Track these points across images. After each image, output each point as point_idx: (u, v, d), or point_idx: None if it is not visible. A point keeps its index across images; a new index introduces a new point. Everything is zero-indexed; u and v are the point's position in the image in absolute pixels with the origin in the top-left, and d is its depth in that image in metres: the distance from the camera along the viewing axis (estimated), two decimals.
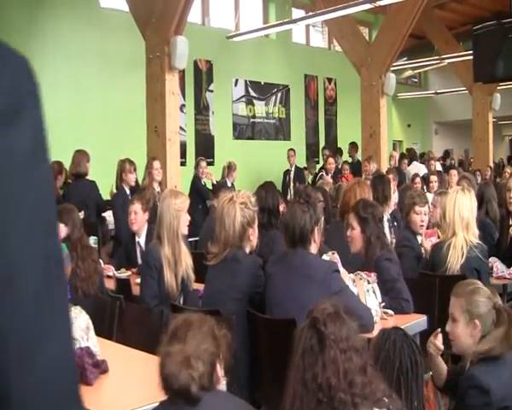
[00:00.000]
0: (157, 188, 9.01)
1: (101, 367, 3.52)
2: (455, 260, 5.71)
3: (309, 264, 4.31)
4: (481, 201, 7.73)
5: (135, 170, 9.04)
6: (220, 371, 2.66)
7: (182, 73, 12.80)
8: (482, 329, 3.44)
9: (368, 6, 11.00)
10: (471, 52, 10.33)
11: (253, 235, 4.79)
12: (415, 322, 4.83)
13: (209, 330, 2.63)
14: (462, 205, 5.85)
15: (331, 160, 14.40)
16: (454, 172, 11.92)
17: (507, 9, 9.72)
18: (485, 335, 3.43)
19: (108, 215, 9.44)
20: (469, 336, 3.51)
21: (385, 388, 2.61)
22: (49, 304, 0.91)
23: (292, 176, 15.08)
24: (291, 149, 15.75)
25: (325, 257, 4.92)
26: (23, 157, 0.88)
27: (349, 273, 4.86)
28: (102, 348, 3.76)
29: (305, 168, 16.05)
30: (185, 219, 5.35)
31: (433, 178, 11.43)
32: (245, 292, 4.55)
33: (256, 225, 4.84)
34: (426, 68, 23.37)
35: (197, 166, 11.49)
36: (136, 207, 6.73)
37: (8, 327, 0.87)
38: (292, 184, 14.54)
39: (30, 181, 0.89)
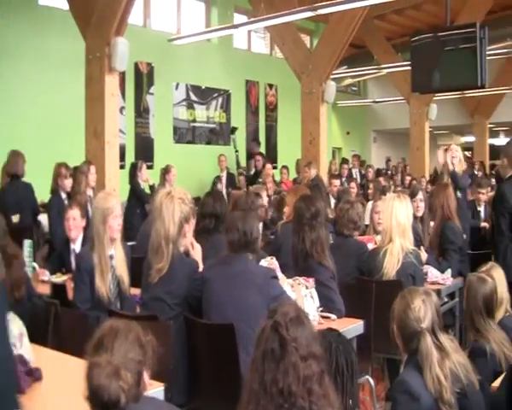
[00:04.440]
0: (89, 192, 8.91)
1: (34, 375, 3.47)
2: (391, 266, 5.80)
3: (249, 270, 4.33)
4: None
5: (71, 175, 8.91)
6: (147, 378, 2.62)
7: (122, 75, 12.70)
8: None
9: (309, 14, 11.04)
10: (409, 63, 10.46)
11: (188, 232, 4.79)
12: (352, 326, 4.89)
13: (135, 337, 2.59)
14: (399, 212, 5.94)
15: (269, 166, 14.38)
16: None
17: (444, 23, 9.90)
18: None
19: (44, 218, 9.31)
20: None
21: (338, 401, 2.65)
22: None
23: (224, 181, 15.10)
24: (222, 155, 15.82)
25: (263, 263, 4.95)
26: None
27: (287, 279, 4.90)
28: (37, 354, 3.71)
29: (240, 174, 15.96)
30: (114, 223, 5.20)
31: (371, 185, 11.59)
32: (182, 297, 4.54)
33: (191, 223, 4.85)
34: (365, 77, 23.65)
35: (136, 169, 11.39)
36: (75, 213, 6.61)
37: None
38: (225, 190, 14.49)
39: None
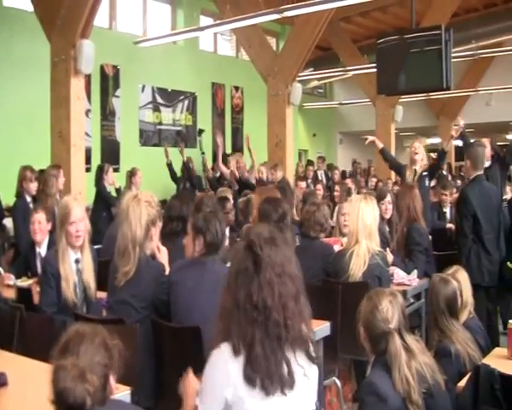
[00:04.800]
0: (57, 196, 8.85)
1: None
2: (357, 268, 5.82)
3: (216, 271, 4.32)
4: None
5: (36, 179, 8.84)
6: (113, 382, 2.61)
7: (88, 78, 12.64)
8: None
9: (275, 16, 11.07)
10: (375, 65, 10.51)
11: (155, 235, 4.78)
12: (318, 328, 4.89)
13: (101, 341, 2.57)
14: (365, 213, 5.97)
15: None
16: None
17: (409, 26, 9.96)
18: None
19: (9, 222, 9.22)
20: None
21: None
22: None
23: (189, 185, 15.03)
24: (188, 157, 15.78)
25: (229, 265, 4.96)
26: None
27: None
28: (2, 359, 3.68)
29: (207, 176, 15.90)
30: (72, 229, 5.13)
31: (337, 187, 11.64)
32: (149, 300, 4.52)
33: (158, 227, 4.83)
34: (331, 79, 23.76)
35: (102, 172, 11.32)
36: (41, 216, 6.59)
37: None
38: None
39: None
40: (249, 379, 2.53)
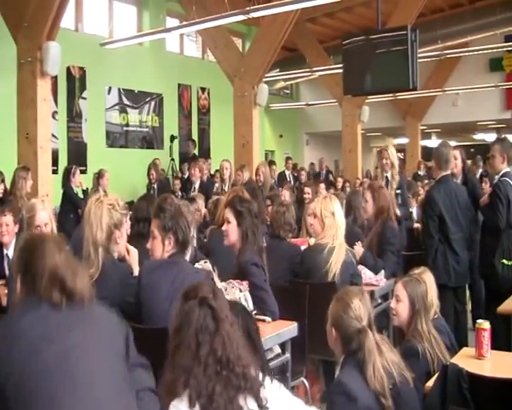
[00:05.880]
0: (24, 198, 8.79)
1: None
2: (335, 265, 5.85)
3: (187, 272, 4.31)
4: (349, 208, 7.94)
5: (3, 181, 8.78)
6: None
7: (54, 80, 12.54)
8: None
9: (241, 17, 11.06)
10: (341, 66, 10.55)
11: (121, 238, 4.75)
12: (286, 329, 4.91)
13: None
14: (340, 211, 6.04)
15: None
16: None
17: (375, 26, 9.99)
18: None
19: None
20: None
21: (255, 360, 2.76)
22: None
23: (156, 187, 14.96)
24: (156, 159, 15.78)
25: (197, 266, 4.95)
26: None
27: (221, 282, 4.91)
28: None
29: (176, 177, 15.88)
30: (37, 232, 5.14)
31: (307, 189, 11.63)
32: (117, 302, 4.50)
33: (124, 229, 4.81)
34: (298, 80, 23.80)
35: (69, 173, 11.26)
36: (8, 219, 6.57)
37: None
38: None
39: None
40: None
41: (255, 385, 2.66)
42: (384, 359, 3.46)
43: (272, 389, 2.75)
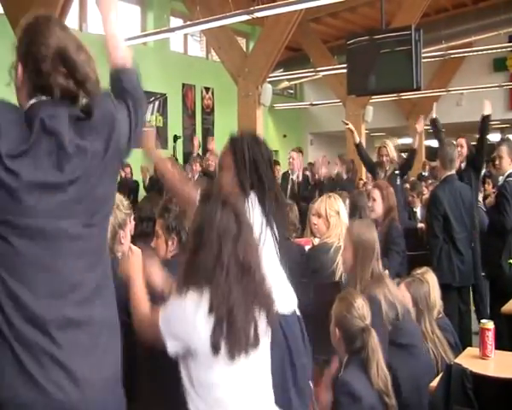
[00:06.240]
0: None
1: None
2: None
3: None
4: (355, 208, 7.90)
5: None
6: None
7: None
8: None
9: (245, 17, 11.05)
10: (345, 65, 10.54)
11: (125, 238, 4.74)
12: None
13: None
14: (344, 210, 6.03)
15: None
16: None
17: (379, 26, 9.97)
18: None
19: None
20: None
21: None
22: None
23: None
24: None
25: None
26: None
27: None
28: None
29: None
30: None
31: None
32: (122, 303, 4.48)
33: (128, 229, 4.79)
34: (302, 80, 23.75)
35: None
36: None
37: None
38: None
39: None
40: (215, 347, 2.53)
41: (269, 299, 2.66)
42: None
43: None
